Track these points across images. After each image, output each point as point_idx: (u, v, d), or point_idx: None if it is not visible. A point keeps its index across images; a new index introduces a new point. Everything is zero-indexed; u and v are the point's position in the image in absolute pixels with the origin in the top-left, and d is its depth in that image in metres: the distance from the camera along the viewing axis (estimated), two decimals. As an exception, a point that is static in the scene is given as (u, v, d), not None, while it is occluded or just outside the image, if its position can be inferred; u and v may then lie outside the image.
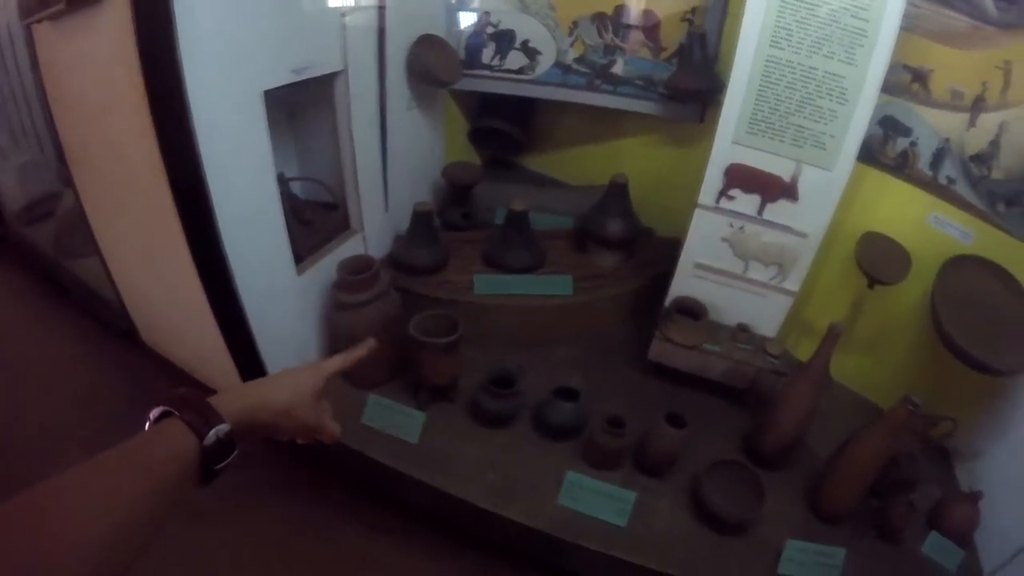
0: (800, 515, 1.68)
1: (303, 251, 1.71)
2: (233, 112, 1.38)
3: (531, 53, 2.02)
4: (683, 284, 1.79)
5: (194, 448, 0.63)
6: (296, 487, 1.78)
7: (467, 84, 2.06)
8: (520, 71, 2.04)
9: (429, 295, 1.84)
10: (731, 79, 1.60)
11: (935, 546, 1.71)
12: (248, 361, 1.60)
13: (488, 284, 1.84)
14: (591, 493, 1.56)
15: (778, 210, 1.67)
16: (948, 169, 1.76)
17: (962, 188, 1.76)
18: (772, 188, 1.65)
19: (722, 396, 1.85)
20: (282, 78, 1.48)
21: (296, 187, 1.88)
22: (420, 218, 1.86)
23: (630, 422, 1.64)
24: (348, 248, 1.88)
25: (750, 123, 1.62)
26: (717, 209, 1.68)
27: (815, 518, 1.67)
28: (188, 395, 0.66)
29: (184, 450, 0.62)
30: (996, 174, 1.71)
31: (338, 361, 0.87)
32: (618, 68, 1.99)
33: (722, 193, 1.67)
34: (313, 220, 1.79)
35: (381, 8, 1.73)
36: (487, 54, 2.06)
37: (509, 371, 1.70)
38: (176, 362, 1.95)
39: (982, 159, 1.72)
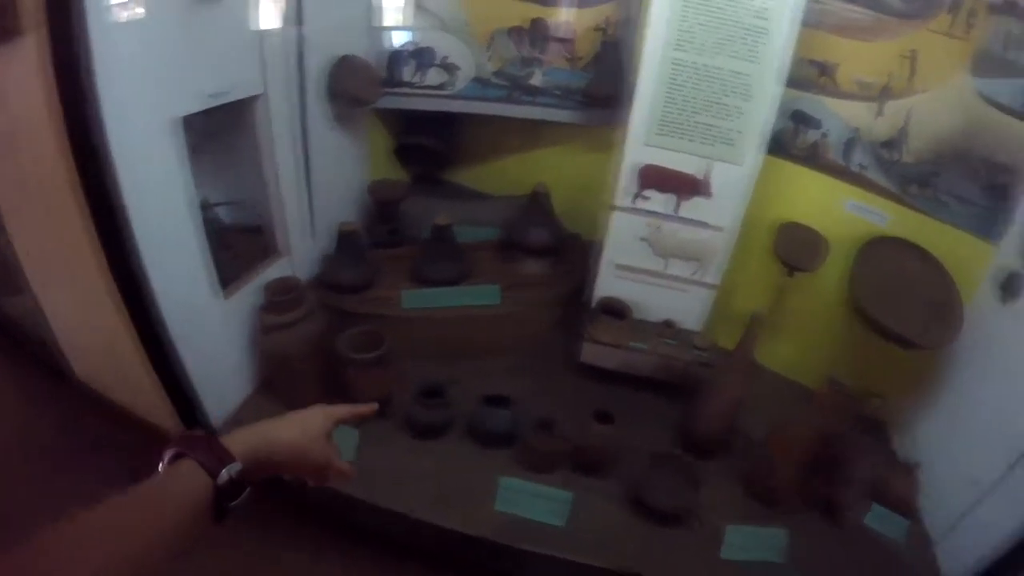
0: (740, 501, 1.75)
1: (229, 276, 1.75)
2: (151, 139, 1.40)
3: (450, 69, 2.14)
4: (606, 285, 1.87)
5: (207, 488, 0.67)
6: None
7: (388, 102, 2.16)
8: (440, 87, 2.15)
9: (358, 312, 1.88)
10: (638, 83, 1.70)
11: (878, 518, 1.81)
12: (179, 390, 1.61)
13: (416, 298, 1.90)
14: (527, 496, 1.59)
15: (693, 207, 1.77)
16: (860, 157, 1.90)
17: (875, 174, 1.90)
18: (685, 186, 1.77)
19: (656, 391, 1.91)
20: (200, 103, 1.51)
21: (222, 211, 1.95)
22: (345, 238, 1.94)
23: (565, 424, 1.70)
24: (275, 271, 1.94)
25: (660, 124, 1.73)
26: (633, 210, 1.79)
27: (755, 502, 1.74)
28: (199, 436, 0.71)
29: (198, 490, 0.66)
30: (907, 158, 1.84)
31: (346, 410, 0.92)
32: (536, 79, 2.11)
33: (637, 194, 1.78)
34: (239, 244, 1.87)
35: (300, 30, 1.83)
36: (408, 71, 2.17)
37: (438, 382, 1.76)
38: (111, 398, 1.97)
39: (892, 145, 1.85)
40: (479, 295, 1.88)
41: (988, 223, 1.80)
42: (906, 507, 1.81)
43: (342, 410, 0.91)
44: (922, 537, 1.83)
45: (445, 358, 1.90)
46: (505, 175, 2.12)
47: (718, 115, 1.70)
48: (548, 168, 2.17)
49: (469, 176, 2.33)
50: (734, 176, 1.73)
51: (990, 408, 1.75)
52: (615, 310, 1.79)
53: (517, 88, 2.08)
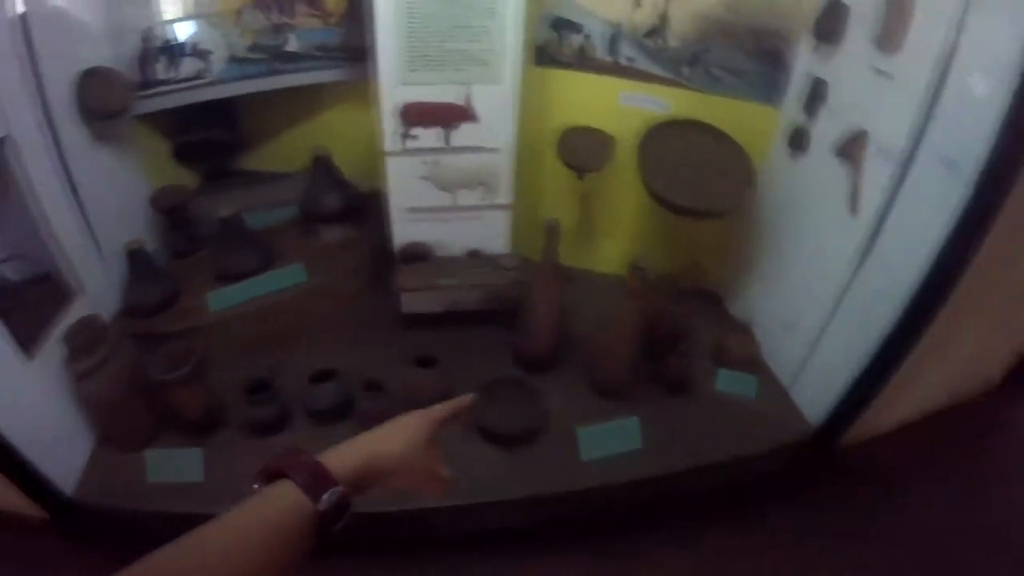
0: (587, 402, 1.82)
1: (29, 335, 1.68)
2: None
3: (203, 55, 2.06)
4: (403, 232, 1.87)
5: (309, 513, 0.64)
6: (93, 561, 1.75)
7: (148, 105, 2.07)
8: (197, 76, 2.09)
9: (168, 331, 1.86)
10: (377, 23, 1.66)
11: (727, 381, 1.93)
12: (16, 470, 1.53)
13: (222, 298, 1.84)
14: None
15: (464, 134, 1.76)
16: (626, 50, 1.95)
17: (645, 63, 1.96)
18: (450, 116, 1.77)
19: (488, 322, 1.95)
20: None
21: (7, 269, 1.85)
22: (135, 257, 1.87)
23: (397, 380, 1.70)
24: (75, 313, 1.86)
25: (409, 60, 1.70)
26: (406, 152, 1.79)
27: (603, 400, 1.83)
28: (300, 457, 0.68)
29: (299, 515, 0.64)
30: (673, 42, 1.89)
31: (443, 408, 0.89)
32: (292, 45, 2.06)
33: (405, 135, 1.79)
34: (33, 298, 1.78)
35: (31, 56, 1.72)
36: (160, 68, 2.08)
37: (260, 377, 1.73)
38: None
39: (655, 32, 1.89)
40: (285, 277, 1.85)
41: (766, 88, 1.91)
42: (749, 364, 1.93)
43: (439, 410, 0.88)
44: (776, 387, 1.96)
45: (271, 349, 1.86)
46: (296, 149, 2.08)
47: (466, 39, 1.69)
48: (335, 131, 2.14)
49: (261, 158, 2.28)
50: (497, 95, 1.74)
51: (802, 259, 1.87)
52: (417, 254, 1.81)
53: (275, 58, 2.03)
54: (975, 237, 1.38)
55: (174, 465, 1.62)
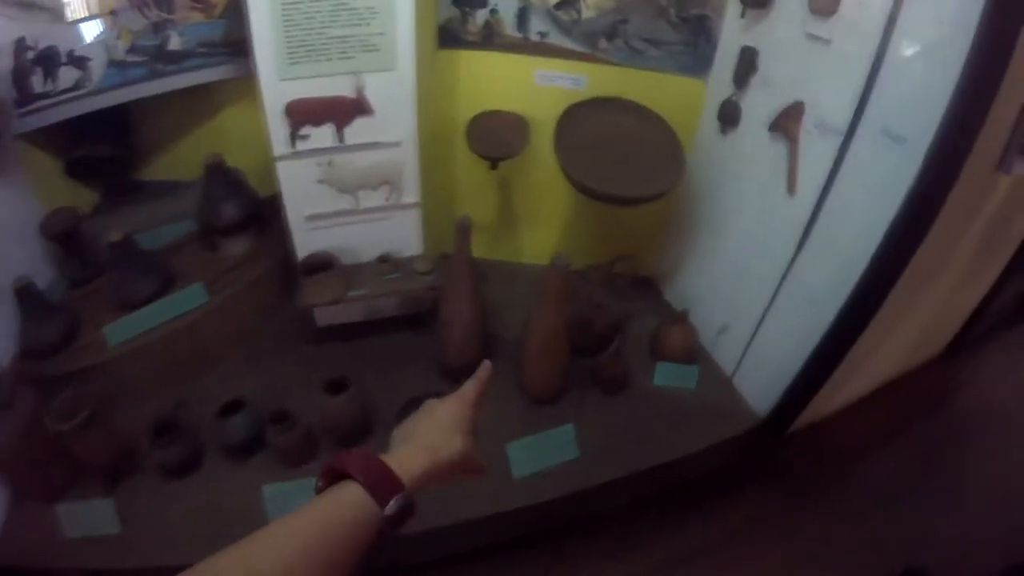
0: (518, 411, 1.65)
1: None
2: None
3: (80, 63, 1.78)
4: (304, 242, 1.65)
5: (375, 517, 0.61)
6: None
7: (28, 123, 1.80)
8: (77, 86, 1.80)
9: (68, 371, 1.63)
10: (249, 11, 1.44)
11: (666, 374, 1.75)
12: None
13: (121, 331, 1.62)
14: (293, 498, 1.43)
15: (359, 130, 1.55)
16: (537, 25, 1.72)
17: (557, 38, 1.73)
18: (341, 110, 1.53)
19: (410, 327, 1.78)
20: None
21: None
22: (23, 296, 1.62)
23: (311, 403, 1.52)
24: None
25: (289, 53, 1.47)
26: (297, 155, 1.54)
27: (533, 405, 1.65)
28: (369, 460, 0.64)
29: (365, 520, 0.61)
30: (588, 13, 1.68)
31: (478, 387, 0.81)
32: (174, 43, 1.78)
33: (293, 136, 1.54)
34: None
35: None
36: (37, 81, 1.80)
37: (168, 415, 1.54)
38: None
39: (568, 3, 1.69)
40: (184, 300, 1.64)
41: (691, 59, 1.70)
42: (687, 355, 1.72)
43: (472, 391, 0.80)
44: (718, 376, 1.77)
45: (179, 379, 1.67)
46: (196, 154, 1.80)
47: (351, 22, 1.46)
48: (233, 132, 1.90)
49: (160, 168, 2.02)
50: (392, 83, 1.51)
51: (738, 242, 1.69)
52: (322, 264, 1.57)
53: (157, 59, 1.76)
54: (927, 215, 1.23)
55: (88, 518, 1.44)
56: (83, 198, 1.99)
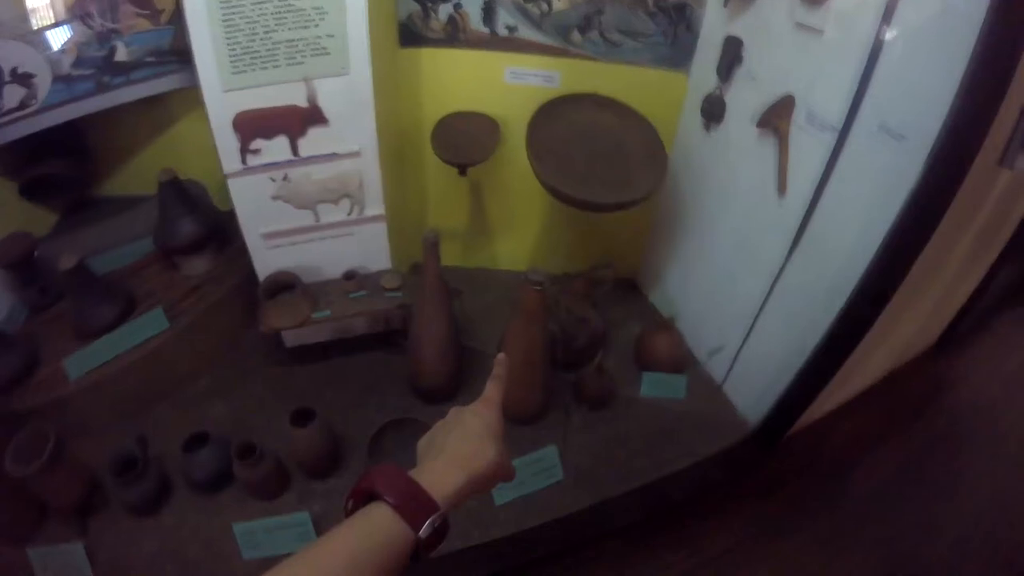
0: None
1: None
2: None
3: (25, 80, 1.61)
4: (264, 262, 1.52)
5: (408, 540, 0.56)
6: None
7: (-29, 145, 1.64)
8: (22, 105, 1.63)
9: (30, 409, 1.48)
10: (188, 22, 1.27)
11: (653, 385, 1.61)
12: None
13: (80, 363, 1.49)
14: (268, 533, 1.33)
15: (314, 140, 1.40)
16: (505, 18, 1.56)
17: (528, 32, 1.57)
18: (293, 121, 1.37)
19: (382, 345, 1.64)
20: None
21: None
22: (-28, 329, 1.49)
23: (278, 432, 1.39)
24: None
25: (232, 61, 1.31)
26: (249, 171, 1.39)
27: (513, 425, 1.51)
28: (400, 481, 0.59)
29: (398, 544, 0.56)
30: (559, 4, 1.52)
31: (499, 387, 0.75)
32: (121, 54, 1.61)
33: (244, 150, 1.37)
34: None
35: None
36: (-20, 102, 1.64)
37: (127, 451, 1.40)
38: None
39: None
40: (145, 327, 1.51)
41: (671, 51, 1.54)
42: (675, 363, 1.56)
43: (494, 393, 0.74)
44: (707, 385, 1.62)
45: (139, 413, 1.55)
46: (159, 165, 1.64)
47: (298, 25, 1.31)
48: (190, 143, 1.75)
49: (120, 183, 1.87)
50: (347, 88, 1.37)
51: (725, 244, 1.54)
52: (284, 285, 1.41)
53: (105, 71, 1.59)
54: (932, 216, 1.09)
55: (59, 561, 1.33)
56: (41, 219, 1.83)
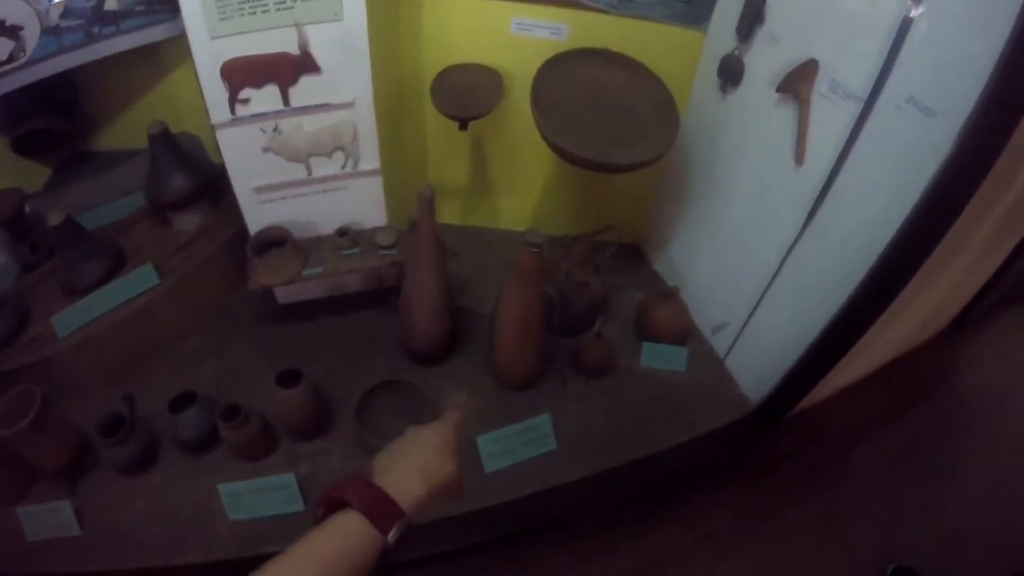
0: (490, 399, 1.44)
1: None
2: None
3: (12, 32, 1.51)
4: (256, 216, 1.41)
5: (376, 545, 0.59)
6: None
7: (-41, 102, 1.55)
8: (11, 58, 1.53)
9: (18, 367, 1.42)
10: None
11: (653, 356, 1.52)
12: None
13: (69, 320, 1.41)
14: (252, 496, 1.27)
15: (306, 90, 1.28)
16: None
17: None
18: (284, 69, 1.26)
19: (377, 303, 1.56)
20: None
21: None
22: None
23: (263, 393, 1.31)
24: None
25: (219, 6, 1.19)
26: (238, 121, 1.28)
27: (508, 391, 1.44)
28: (369, 490, 0.61)
29: (369, 550, 0.58)
30: None
31: (460, 415, 0.76)
32: (111, 3, 1.50)
33: (233, 100, 1.27)
34: None
35: None
36: (-32, 57, 1.54)
37: (113, 411, 1.34)
38: None
39: None
40: (134, 284, 1.43)
41: (688, 7, 1.39)
42: (677, 335, 1.47)
43: (455, 416, 0.75)
44: (709, 357, 1.54)
45: (132, 367, 1.48)
46: (152, 117, 1.54)
47: None
48: (183, 94, 1.64)
49: (112, 136, 1.77)
50: (339, 35, 1.25)
51: (736, 213, 1.44)
52: (275, 240, 1.33)
53: (94, 22, 1.47)
54: (957, 199, 0.97)
55: (47, 521, 1.29)
56: (34, 175, 1.74)
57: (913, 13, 0.93)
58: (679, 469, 1.38)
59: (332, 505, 0.61)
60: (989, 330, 1.91)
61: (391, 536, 0.59)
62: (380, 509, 0.60)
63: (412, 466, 0.67)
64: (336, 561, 0.57)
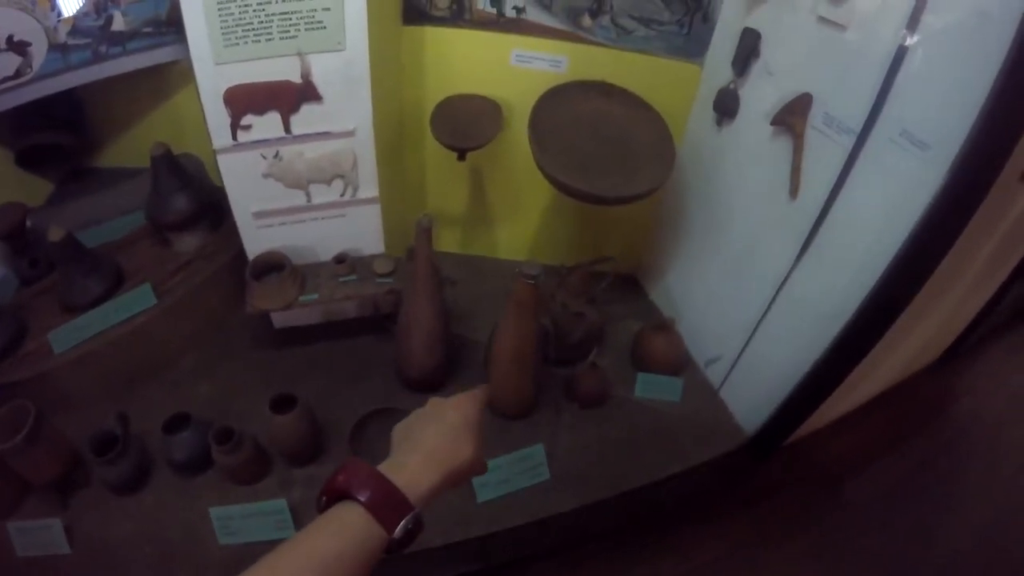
0: (485, 424, 1.40)
1: None
2: None
3: (20, 48, 1.51)
4: (255, 240, 1.41)
5: (381, 540, 0.54)
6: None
7: (-35, 115, 1.55)
8: (17, 74, 1.53)
9: (8, 382, 1.40)
10: None
11: (648, 386, 1.50)
12: None
13: (65, 338, 1.41)
14: (243, 521, 1.25)
15: (307, 118, 1.29)
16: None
17: (535, 14, 1.45)
18: (286, 96, 1.26)
19: (373, 330, 1.55)
20: None
21: None
22: (-38, 299, 1.41)
23: (256, 417, 1.30)
24: None
25: (224, 33, 1.20)
26: (239, 147, 1.29)
27: (502, 420, 1.42)
28: (374, 480, 0.56)
29: (372, 545, 0.54)
30: None
31: (484, 389, 0.74)
32: (118, 23, 1.51)
33: (235, 126, 1.27)
34: None
35: None
36: (-26, 72, 1.55)
37: (107, 430, 1.32)
38: None
39: None
40: (132, 303, 1.43)
41: (685, 41, 1.41)
42: (673, 366, 1.46)
43: (479, 392, 0.72)
44: (703, 388, 1.52)
45: (127, 387, 1.47)
46: (156, 137, 1.55)
47: None
48: (187, 115, 1.64)
49: (119, 152, 1.78)
50: (342, 65, 1.26)
51: (731, 245, 1.44)
52: (273, 265, 1.32)
53: (102, 42, 1.49)
54: (951, 231, 0.98)
55: (37, 538, 1.27)
56: (37, 189, 1.74)
57: (908, 42, 0.94)
58: (673, 500, 1.36)
59: (335, 494, 0.56)
60: (982, 360, 1.91)
61: (397, 532, 0.55)
62: (386, 502, 0.55)
63: (426, 453, 0.61)
64: (336, 557, 0.52)
